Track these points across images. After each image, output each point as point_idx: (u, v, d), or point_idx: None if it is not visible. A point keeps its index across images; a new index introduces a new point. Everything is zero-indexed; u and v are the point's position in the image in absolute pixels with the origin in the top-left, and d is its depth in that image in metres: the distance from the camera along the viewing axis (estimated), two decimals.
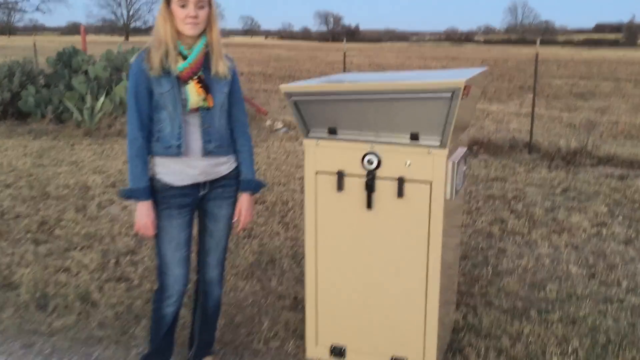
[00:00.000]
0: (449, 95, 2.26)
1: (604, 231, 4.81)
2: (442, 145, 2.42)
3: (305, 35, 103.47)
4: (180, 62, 2.28)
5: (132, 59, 2.33)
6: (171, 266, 2.43)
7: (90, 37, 10.84)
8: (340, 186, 2.59)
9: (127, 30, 75.51)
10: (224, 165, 2.48)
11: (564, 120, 10.87)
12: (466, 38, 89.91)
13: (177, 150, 2.34)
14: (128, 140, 2.34)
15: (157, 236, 2.43)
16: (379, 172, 2.54)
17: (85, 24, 75.68)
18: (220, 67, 2.35)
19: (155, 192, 2.39)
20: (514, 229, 4.85)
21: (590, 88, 16.93)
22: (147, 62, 2.28)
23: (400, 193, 2.50)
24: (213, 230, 2.55)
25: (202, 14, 2.26)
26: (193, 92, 2.30)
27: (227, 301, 3.44)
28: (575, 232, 4.77)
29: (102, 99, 9.36)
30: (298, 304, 3.44)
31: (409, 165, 2.48)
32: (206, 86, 2.32)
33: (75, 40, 17.85)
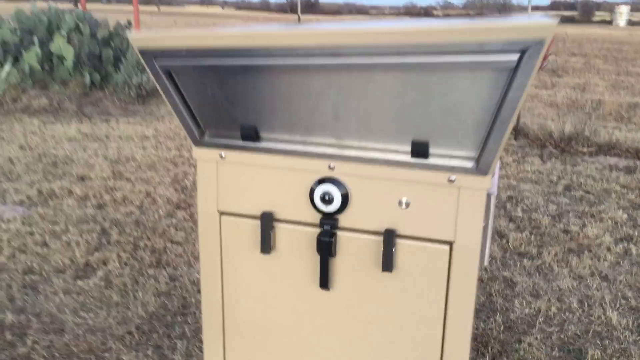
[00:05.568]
0: (514, 58, 0.98)
1: (633, 249, 3.66)
2: (481, 167, 1.14)
3: (264, 6, 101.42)
4: None
5: None
6: None
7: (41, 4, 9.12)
8: (266, 244, 1.30)
9: None
10: None
11: (544, 98, 9.77)
12: (425, 13, 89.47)
13: None
14: None
15: None
16: (344, 218, 1.26)
17: None
18: None
19: None
20: (519, 246, 3.65)
21: (561, 63, 15.95)
22: None
23: (387, 263, 1.23)
24: None
25: None
26: None
27: None
28: (598, 252, 3.61)
29: (7, 67, 7.77)
30: None
31: (406, 205, 1.21)
32: None
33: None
